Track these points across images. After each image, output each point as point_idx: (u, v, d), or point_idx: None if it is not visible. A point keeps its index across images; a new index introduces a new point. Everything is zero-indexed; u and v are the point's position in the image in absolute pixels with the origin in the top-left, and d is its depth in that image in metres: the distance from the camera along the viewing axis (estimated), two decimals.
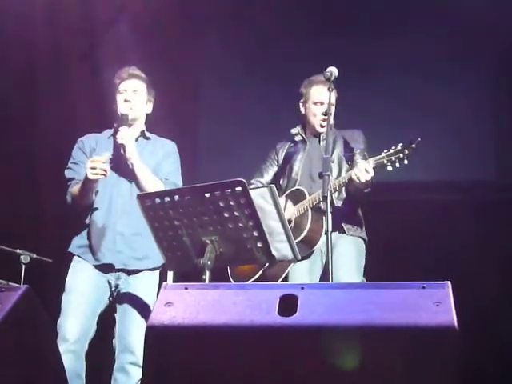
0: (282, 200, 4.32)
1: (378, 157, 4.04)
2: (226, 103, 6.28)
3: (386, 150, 4.03)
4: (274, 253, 3.16)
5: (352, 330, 2.22)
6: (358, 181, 4.01)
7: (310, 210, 4.21)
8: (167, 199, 3.16)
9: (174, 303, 2.43)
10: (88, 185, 4.02)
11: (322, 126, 4.44)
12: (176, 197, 3.14)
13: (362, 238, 4.36)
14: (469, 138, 5.91)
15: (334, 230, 4.18)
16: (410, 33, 5.88)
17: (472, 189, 5.87)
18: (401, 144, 3.98)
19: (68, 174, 4.30)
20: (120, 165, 4.19)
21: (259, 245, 3.13)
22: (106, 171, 3.93)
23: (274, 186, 3.24)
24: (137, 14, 6.15)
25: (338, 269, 3.94)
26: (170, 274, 4.77)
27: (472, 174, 5.95)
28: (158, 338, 2.35)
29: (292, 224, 4.24)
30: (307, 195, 4.26)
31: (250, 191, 3.05)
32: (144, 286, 4.13)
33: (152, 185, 4.11)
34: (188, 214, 3.13)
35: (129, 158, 4.12)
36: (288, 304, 2.34)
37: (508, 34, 5.68)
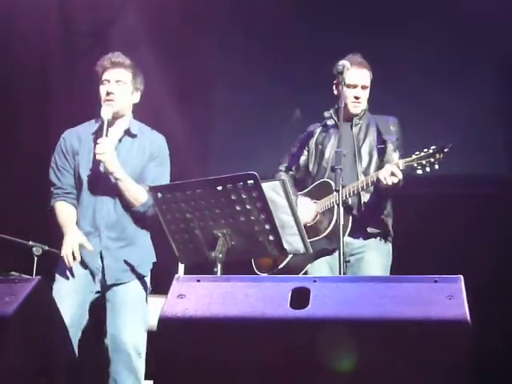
0: (304, 196, 4.29)
1: (408, 159, 3.96)
2: (237, 101, 6.27)
3: (417, 152, 3.94)
4: (285, 246, 3.16)
5: (364, 323, 2.23)
6: (385, 182, 3.95)
7: (335, 207, 4.07)
8: (179, 192, 3.16)
9: (187, 295, 2.43)
10: None
11: (354, 107, 4.31)
12: (188, 190, 3.15)
13: (388, 239, 4.29)
14: (477, 132, 5.89)
15: (360, 234, 4.20)
16: (414, 31, 5.85)
17: (479, 183, 5.85)
18: (433, 147, 3.89)
19: (51, 177, 4.19)
20: (101, 178, 4.05)
21: (271, 238, 3.13)
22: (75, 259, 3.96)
23: (285, 179, 3.24)
24: (144, 15, 6.15)
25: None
26: (182, 267, 4.79)
27: (479, 168, 5.92)
28: (171, 330, 2.36)
29: (317, 218, 4.19)
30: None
31: (262, 184, 3.05)
32: (133, 288, 4.09)
33: (136, 196, 4.01)
34: (200, 207, 3.14)
35: (111, 174, 3.98)
36: (300, 297, 2.34)
37: None
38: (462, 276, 2.32)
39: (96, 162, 4.02)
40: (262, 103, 6.19)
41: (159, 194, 3.21)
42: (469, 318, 2.15)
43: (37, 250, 4.88)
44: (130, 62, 4.13)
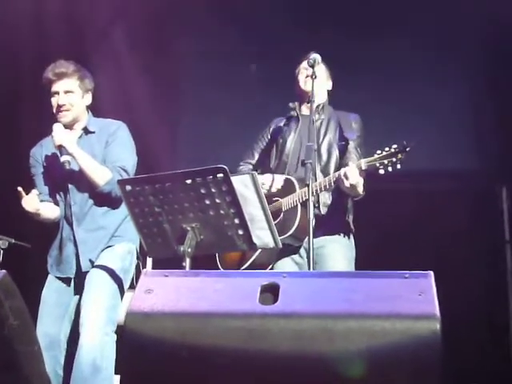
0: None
1: (370, 158, 3.82)
2: (209, 93, 6.25)
3: (378, 152, 3.79)
4: (255, 240, 3.14)
5: (333, 319, 2.22)
6: (345, 180, 3.82)
7: (299, 205, 4.01)
8: (148, 185, 3.13)
9: (154, 290, 2.41)
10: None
11: (306, 84, 4.26)
12: (157, 183, 3.12)
13: (349, 235, 4.23)
14: (450, 128, 5.92)
15: (320, 232, 4.08)
16: (395, 29, 5.88)
17: (455, 178, 5.89)
18: (394, 146, 3.75)
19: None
20: (69, 173, 4.06)
21: (240, 232, 3.11)
22: (37, 209, 3.95)
23: (255, 172, 3.20)
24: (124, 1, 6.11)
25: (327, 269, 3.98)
26: (150, 261, 4.75)
27: (454, 163, 5.96)
28: (138, 325, 2.34)
29: (281, 216, 4.10)
30: (297, 188, 4.07)
31: (232, 178, 3.03)
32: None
33: (99, 174, 3.97)
34: (169, 201, 3.11)
35: (71, 154, 3.96)
36: (269, 292, 2.33)
37: (488, 23, 5.70)
38: (432, 272, 2.32)
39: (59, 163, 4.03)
40: (239, 94, 6.17)
41: (128, 187, 3.17)
42: (438, 313, 2.15)
43: (3, 243, 4.81)
44: (74, 68, 4.15)
